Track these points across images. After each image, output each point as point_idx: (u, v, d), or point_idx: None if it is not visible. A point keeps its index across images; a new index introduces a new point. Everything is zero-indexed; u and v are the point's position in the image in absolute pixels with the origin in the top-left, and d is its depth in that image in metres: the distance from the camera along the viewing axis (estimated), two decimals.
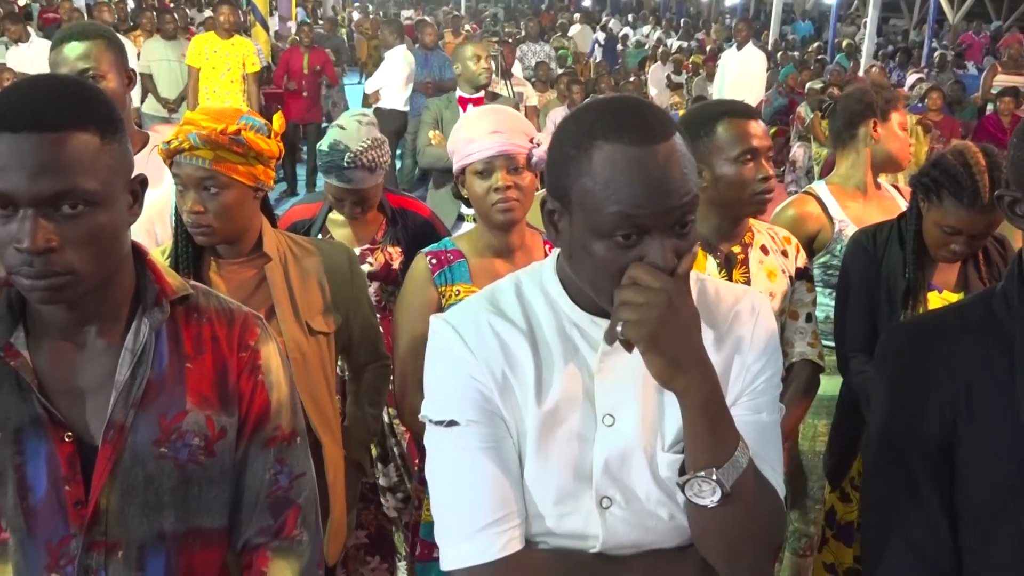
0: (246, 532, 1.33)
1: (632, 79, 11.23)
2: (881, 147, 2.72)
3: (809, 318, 2.21)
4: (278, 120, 1.97)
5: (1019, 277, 1.29)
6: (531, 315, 1.25)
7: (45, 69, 2.43)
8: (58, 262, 1.12)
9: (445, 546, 1.21)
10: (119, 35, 7.99)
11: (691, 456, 1.14)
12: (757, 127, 2.05)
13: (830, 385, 2.42)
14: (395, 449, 2.75)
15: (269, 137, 1.92)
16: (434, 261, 2.08)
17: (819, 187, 2.76)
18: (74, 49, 2.34)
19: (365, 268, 2.56)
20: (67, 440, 1.20)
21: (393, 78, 7.97)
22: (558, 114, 6.46)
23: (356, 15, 20.32)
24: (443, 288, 2.05)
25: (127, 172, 1.21)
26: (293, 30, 12.49)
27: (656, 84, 12.64)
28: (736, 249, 2.14)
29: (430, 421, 1.23)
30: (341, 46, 13.08)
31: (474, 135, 2.03)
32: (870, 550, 1.37)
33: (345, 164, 2.49)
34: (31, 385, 1.19)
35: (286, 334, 1.90)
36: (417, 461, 2.71)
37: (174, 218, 1.94)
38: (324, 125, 8.79)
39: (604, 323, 1.18)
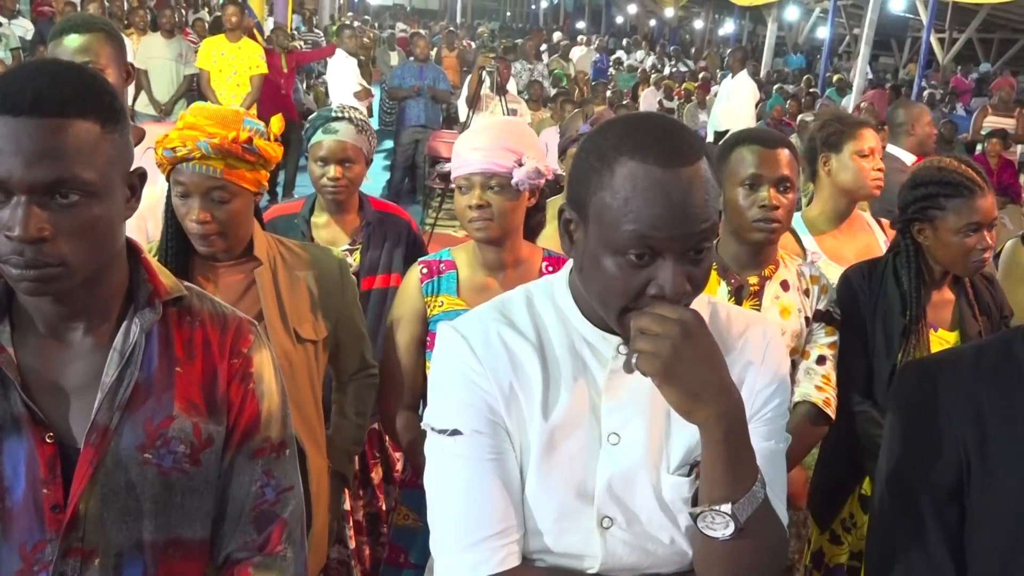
0: (228, 545, 1.28)
1: (625, 102, 11.26)
2: (836, 179, 2.71)
3: (822, 360, 2.16)
4: (277, 122, 1.93)
5: None
6: (541, 328, 1.23)
7: None
8: (50, 252, 1.08)
9: (440, 557, 1.18)
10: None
11: (707, 488, 1.12)
12: (772, 155, 2.03)
13: None
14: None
15: (269, 140, 1.89)
16: (424, 271, 2.08)
17: (794, 218, 2.75)
18: (73, 41, 2.30)
19: None
20: (48, 441, 1.15)
21: (337, 85, 7.90)
22: (550, 134, 6.44)
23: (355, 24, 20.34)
24: (428, 299, 2.06)
25: (127, 164, 1.17)
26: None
27: (647, 109, 12.71)
28: (753, 280, 2.12)
29: (432, 429, 1.21)
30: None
31: (461, 150, 2.03)
32: None
33: (333, 115, 2.53)
34: (14, 382, 1.14)
35: (273, 340, 1.86)
36: (399, 468, 2.67)
37: (164, 217, 1.89)
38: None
39: (614, 340, 1.17)
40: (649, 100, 12.96)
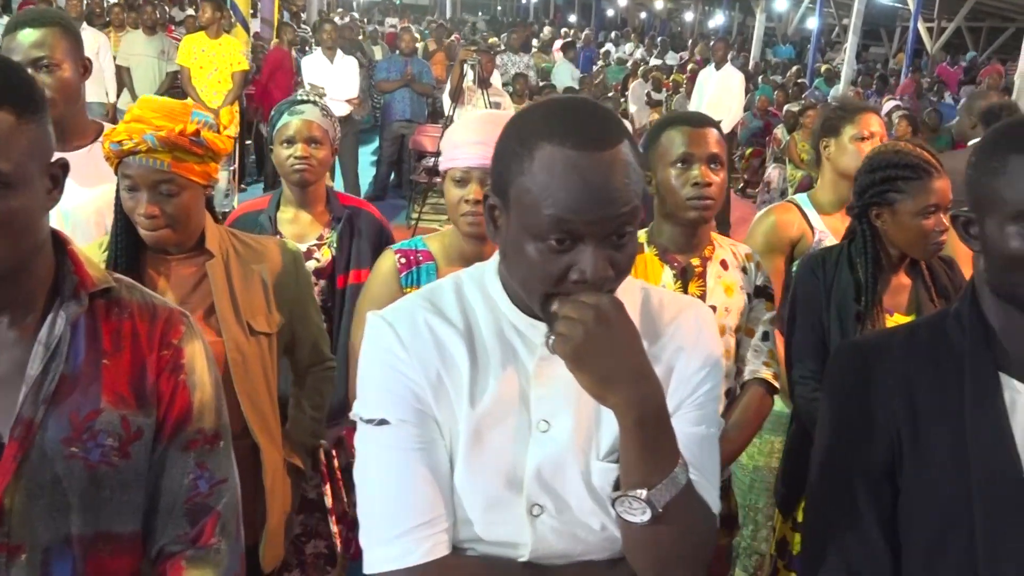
0: (161, 539, 1.27)
1: (611, 95, 11.24)
2: (836, 163, 2.72)
3: (766, 336, 2.19)
4: (227, 115, 1.92)
5: (972, 299, 1.27)
6: (470, 315, 1.22)
7: None
8: None
9: (368, 548, 1.17)
10: (95, 28, 7.90)
11: (624, 473, 1.12)
12: (701, 135, 2.05)
13: (785, 403, 2.39)
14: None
15: (219, 132, 1.87)
16: (403, 260, 2.06)
17: (801, 198, 2.79)
18: (28, 36, 2.27)
19: (311, 265, 2.52)
20: None
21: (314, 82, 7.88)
22: None
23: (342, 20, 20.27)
24: (407, 289, 2.02)
25: (46, 155, 1.16)
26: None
27: (636, 101, 12.68)
28: (695, 261, 2.13)
29: (361, 419, 1.20)
30: None
31: (460, 141, 2.01)
32: (808, 569, 1.34)
33: (298, 98, 2.58)
34: None
35: (225, 333, 1.85)
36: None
37: (114, 210, 1.88)
38: None
39: (543, 327, 1.16)
40: (637, 93, 12.93)
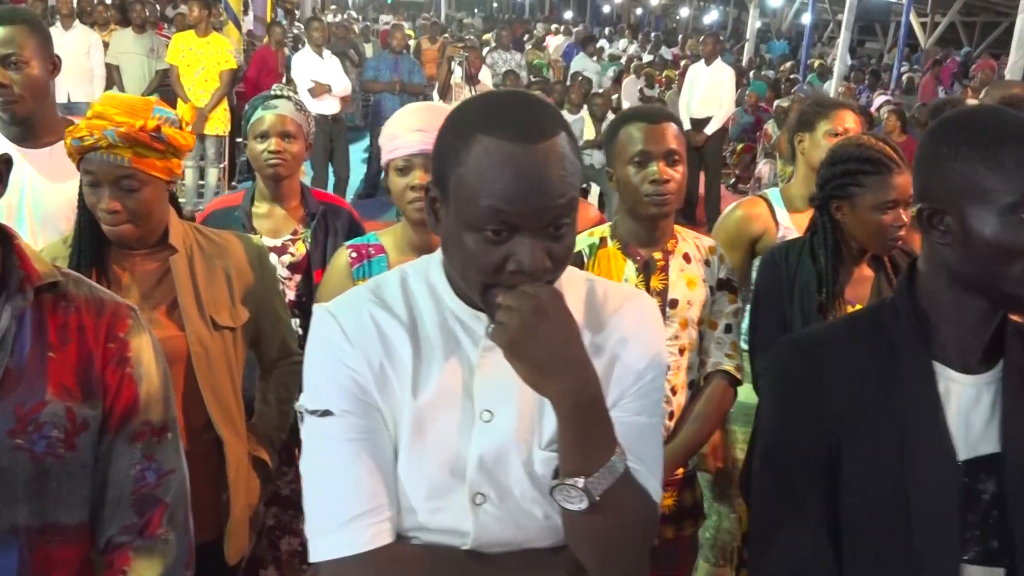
0: (109, 529, 1.29)
1: (602, 91, 11.25)
2: (809, 158, 2.74)
3: (729, 329, 2.21)
4: (188, 110, 1.93)
5: (908, 288, 1.29)
6: (414, 307, 1.23)
7: None
8: None
9: (313, 537, 1.19)
10: (85, 27, 7.84)
11: (561, 462, 1.13)
12: (658, 131, 2.07)
13: (753, 395, 2.41)
14: None
15: (181, 128, 1.88)
16: (354, 255, 2.08)
17: (772, 192, 2.80)
18: None
19: (286, 259, 2.54)
20: None
21: (302, 82, 7.88)
22: None
23: (336, 18, 20.29)
24: (359, 282, 2.04)
25: None
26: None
27: (629, 97, 12.66)
28: (657, 255, 2.15)
29: (306, 411, 1.21)
30: None
31: (398, 131, 2.03)
32: (754, 564, 1.36)
33: (273, 93, 2.60)
34: None
35: (188, 328, 1.87)
36: None
37: (78, 206, 1.89)
38: None
39: (486, 318, 1.18)
40: (630, 89, 12.93)
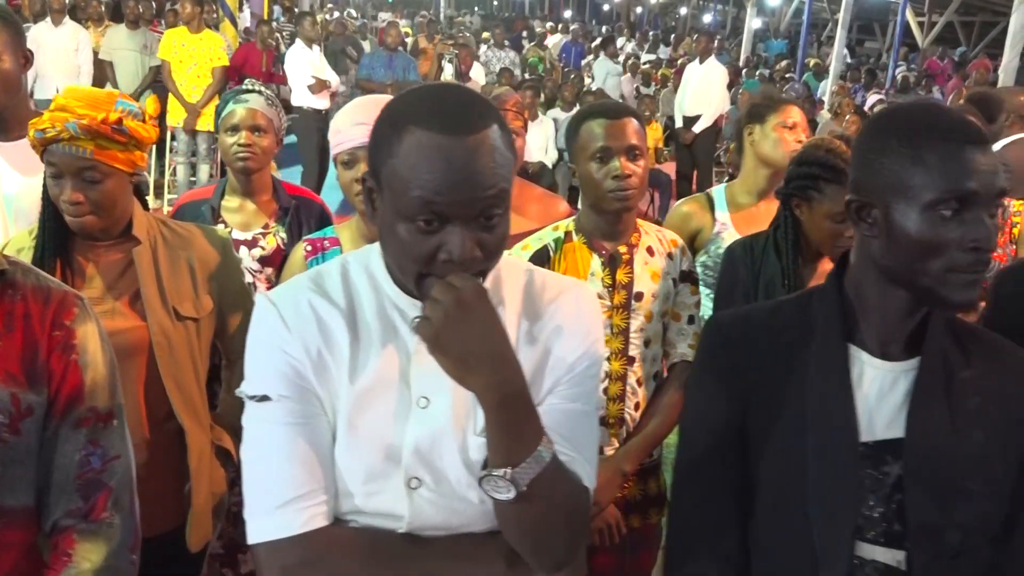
0: (54, 513, 1.31)
1: (591, 87, 11.28)
2: (758, 148, 2.78)
3: (692, 320, 2.24)
4: (152, 104, 1.95)
5: (837, 277, 1.31)
6: (353, 295, 1.25)
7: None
8: None
9: (249, 520, 1.20)
10: (76, 23, 7.81)
11: (488, 453, 1.15)
12: (618, 126, 2.09)
13: None
14: None
15: (144, 122, 1.90)
16: (309, 248, 2.12)
17: (717, 190, 2.85)
18: None
19: (256, 253, 2.56)
20: None
21: (296, 77, 7.90)
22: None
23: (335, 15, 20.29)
24: None
25: None
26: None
27: (626, 96, 12.71)
28: (622, 249, 2.17)
29: (246, 396, 1.23)
30: None
31: (342, 126, 2.07)
32: (671, 541, 1.39)
33: (244, 88, 2.64)
34: None
35: (151, 318, 1.89)
36: None
37: (42, 198, 1.91)
38: None
39: (423, 307, 1.19)
40: (627, 87, 12.95)
